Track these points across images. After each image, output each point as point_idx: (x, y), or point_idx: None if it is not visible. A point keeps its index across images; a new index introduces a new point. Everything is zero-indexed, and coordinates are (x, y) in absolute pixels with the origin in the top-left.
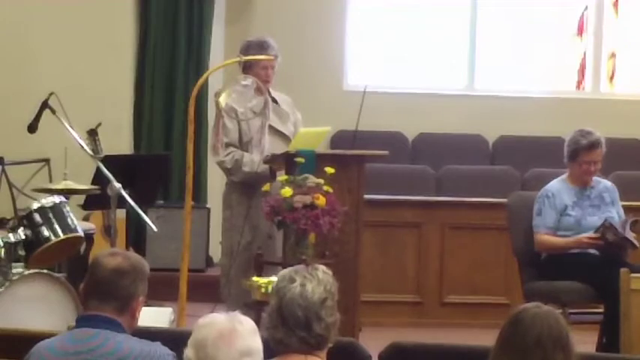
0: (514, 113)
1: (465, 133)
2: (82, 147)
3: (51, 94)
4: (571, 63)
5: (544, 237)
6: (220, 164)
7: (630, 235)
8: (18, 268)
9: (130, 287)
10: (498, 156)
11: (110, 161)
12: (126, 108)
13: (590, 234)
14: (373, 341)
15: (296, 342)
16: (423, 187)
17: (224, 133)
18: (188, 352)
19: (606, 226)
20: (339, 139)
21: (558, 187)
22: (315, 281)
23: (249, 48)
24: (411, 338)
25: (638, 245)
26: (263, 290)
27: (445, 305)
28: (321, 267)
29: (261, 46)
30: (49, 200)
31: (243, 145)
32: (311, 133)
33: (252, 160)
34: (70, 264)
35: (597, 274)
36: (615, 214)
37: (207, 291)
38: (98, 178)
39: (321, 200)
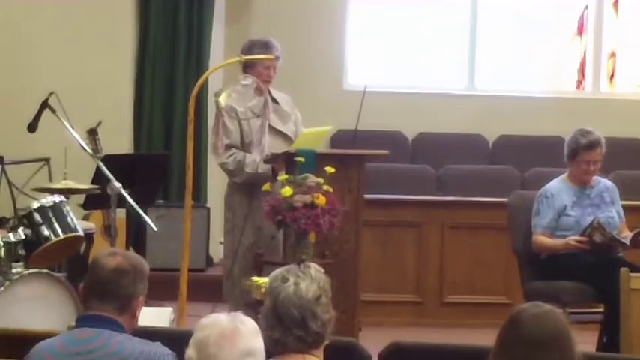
0: (514, 113)
1: (465, 133)
2: (82, 147)
3: (51, 93)
4: (571, 62)
5: (539, 237)
6: (222, 166)
7: (619, 235)
8: (18, 268)
9: (130, 287)
10: (498, 156)
11: (110, 161)
12: (126, 108)
13: (577, 236)
14: (373, 341)
15: (293, 341)
16: (423, 187)
17: (225, 134)
18: (190, 351)
19: (594, 227)
20: (339, 138)
21: (558, 186)
22: (308, 279)
23: (252, 47)
24: (411, 338)
25: (628, 243)
26: (263, 290)
27: (445, 305)
28: (313, 265)
29: (266, 46)
30: (49, 200)
31: (245, 146)
32: (313, 134)
33: (254, 161)
34: (70, 264)
35: (597, 274)
36: (615, 213)
37: (208, 291)
38: (98, 178)
39: (321, 200)
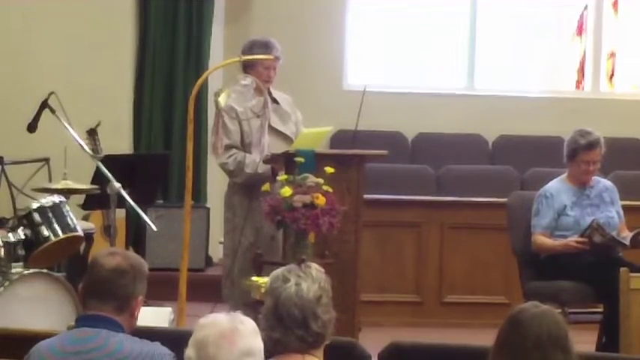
0: (514, 113)
1: (465, 133)
2: (82, 147)
3: (51, 93)
4: (570, 63)
5: (539, 238)
6: (222, 166)
7: (619, 235)
8: (18, 268)
9: (129, 287)
10: (498, 156)
11: (110, 161)
12: (126, 108)
13: (577, 237)
14: (373, 341)
15: (294, 341)
16: (423, 187)
17: (225, 134)
18: (189, 351)
19: (594, 227)
20: (339, 138)
21: (557, 187)
22: (310, 279)
23: (253, 47)
24: (411, 338)
25: (628, 244)
26: (263, 290)
27: (444, 305)
28: (314, 265)
29: (266, 46)
30: (48, 200)
31: (245, 146)
32: (313, 134)
33: (254, 162)
34: (70, 264)
35: (597, 274)
36: (615, 213)
37: (207, 291)
38: (98, 178)
39: (321, 200)
